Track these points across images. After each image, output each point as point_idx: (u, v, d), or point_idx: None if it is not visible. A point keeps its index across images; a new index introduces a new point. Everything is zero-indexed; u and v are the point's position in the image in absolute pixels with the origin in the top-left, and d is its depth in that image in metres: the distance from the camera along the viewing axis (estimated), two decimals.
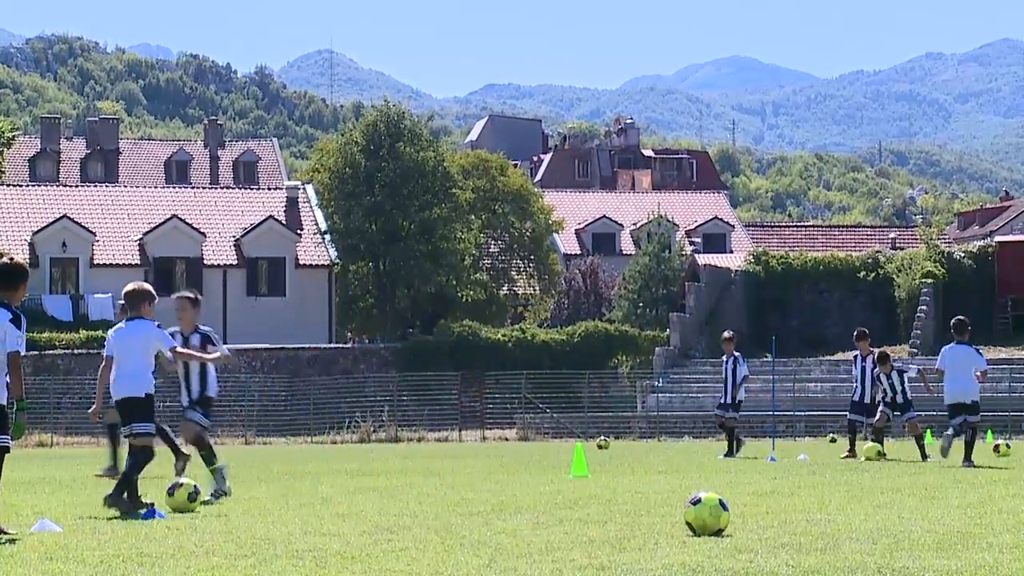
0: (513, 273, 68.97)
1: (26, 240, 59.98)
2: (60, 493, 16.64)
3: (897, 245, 74.01)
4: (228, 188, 74.86)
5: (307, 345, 55.76)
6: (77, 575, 8.30)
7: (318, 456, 30.98)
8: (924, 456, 23.19)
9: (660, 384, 49.56)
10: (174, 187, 74.53)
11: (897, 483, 16.50)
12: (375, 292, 63.07)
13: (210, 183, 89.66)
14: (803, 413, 44.77)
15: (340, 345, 59.68)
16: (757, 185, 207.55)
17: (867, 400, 24.81)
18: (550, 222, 69.45)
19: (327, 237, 62.51)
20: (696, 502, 10.15)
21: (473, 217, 64.56)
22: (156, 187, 73.67)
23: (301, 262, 62.12)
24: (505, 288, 68.52)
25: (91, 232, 60.59)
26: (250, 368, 52.44)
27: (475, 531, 10.61)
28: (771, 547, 9.29)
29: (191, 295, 14.94)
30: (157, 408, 13.01)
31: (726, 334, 27.46)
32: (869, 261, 55.93)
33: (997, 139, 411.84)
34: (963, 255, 54.01)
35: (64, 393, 48.70)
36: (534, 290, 69.17)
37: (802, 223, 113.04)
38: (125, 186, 73.95)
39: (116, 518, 12.29)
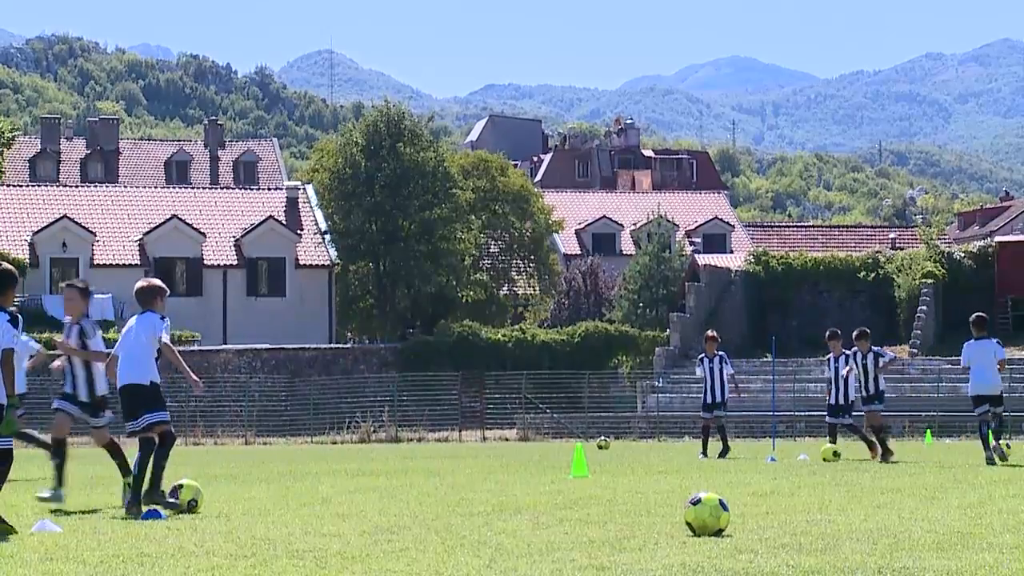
0: (513, 273, 68.98)
1: (26, 240, 60.00)
2: None
3: (897, 245, 74.03)
4: (228, 188, 74.89)
5: (307, 345, 55.75)
6: (77, 575, 8.30)
7: (318, 456, 30.97)
8: (886, 450, 23.17)
9: (660, 384, 49.56)
10: (174, 187, 74.56)
11: (897, 483, 16.49)
12: (375, 292, 63.08)
13: (210, 183, 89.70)
14: (803, 413, 44.76)
15: (340, 345, 59.67)
16: (757, 185, 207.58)
17: (843, 401, 24.92)
18: (550, 222, 69.46)
19: (327, 237, 62.53)
20: (696, 502, 10.16)
21: (473, 217, 64.56)
22: (156, 187, 73.70)
23: (301, 262, 62.13)
24: (505, 288, 68.54)
25: (91, 232, 60.62)
26: (250, 368, 52.44)
27: (475, 531, 10.61)
28: (771, 547, 9.29)
29: (80, 284, 14.56)
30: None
31: (710, 333, 27.54)
32: (869, 261, 55.92)
33: (997, 139, 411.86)
34: (963, 255, 54.00)
35: None
36: (534, 290, 69.19)
37: (802, 223, 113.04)
38: (125, 186, 73.97)
39: (116, 518, 12.29)
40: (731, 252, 73.92)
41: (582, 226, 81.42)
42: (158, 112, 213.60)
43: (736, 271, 56.36)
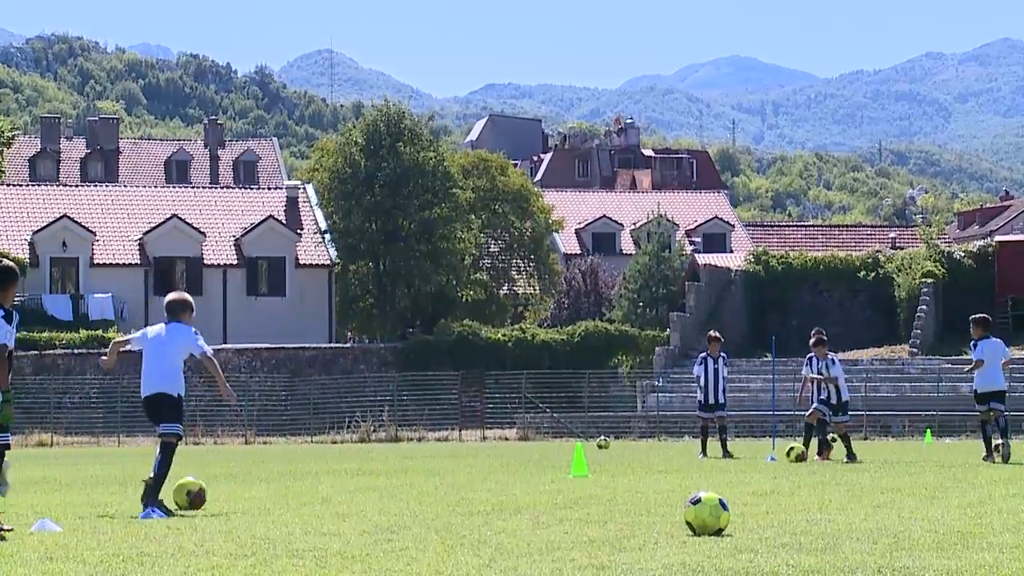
0: (513, 273, 68.97)
1: (26, 240, 60.00)
2: (60, 493, 16.65)
3: (897, 245, 74.05)
4: (228, 188, 74.89)
5: (307, 345, 55.77)
6: (77, 575, 8.30)
7: (318, 456, 30.98)
8: (851, 455, 23.58)
9: (660, 384, 49.53)
10: (174, 187, 74.53)
11: (897, 483, 16.50)
12: (375, 292, 63.08)
13: (210, 183, 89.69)
14: (803, 413, 44.67)
15: (340, 345, 59.68)
16: (757, 185, 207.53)
17: (834, 400, 25.10)
18: (550, 222, 69.46)
19: (327, 237, 62.52)
20: (696, 502, 10.16)
21: (473, 217, 64.55)
22: (156, 187, 73.69)
23: (301, 262, 62.13)
24: (505, 288, 68.53)
25: (91, 232, 60.62)
26: (250, 368, 52.46)
27: (475, 531, 10.61)
28: (771, 547, 9.29)
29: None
30: None
31: (713, 333, 27.68)
32: (869, 261, 55.92)
33: (997, 139, 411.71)
34: (963, 255, 54.00)
35: (64, 393, 48.68)
36: (534, 290, 69.17)
37: (802, 223, 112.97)
38: (125, 186, 73.97)
39: (116, 518, 12.30)
40: (731, 252, 73.92)
41: (582, 226, 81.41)
42: (158, 112, 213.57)
43: (736, 271, 56.36)
